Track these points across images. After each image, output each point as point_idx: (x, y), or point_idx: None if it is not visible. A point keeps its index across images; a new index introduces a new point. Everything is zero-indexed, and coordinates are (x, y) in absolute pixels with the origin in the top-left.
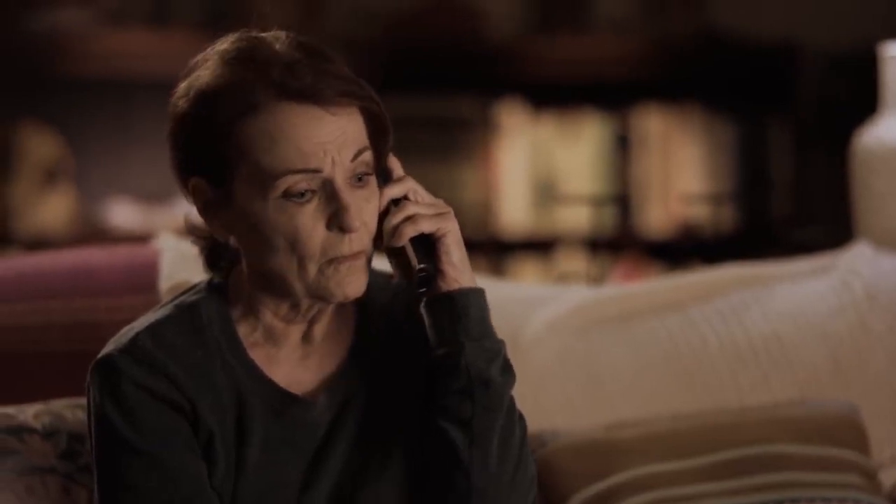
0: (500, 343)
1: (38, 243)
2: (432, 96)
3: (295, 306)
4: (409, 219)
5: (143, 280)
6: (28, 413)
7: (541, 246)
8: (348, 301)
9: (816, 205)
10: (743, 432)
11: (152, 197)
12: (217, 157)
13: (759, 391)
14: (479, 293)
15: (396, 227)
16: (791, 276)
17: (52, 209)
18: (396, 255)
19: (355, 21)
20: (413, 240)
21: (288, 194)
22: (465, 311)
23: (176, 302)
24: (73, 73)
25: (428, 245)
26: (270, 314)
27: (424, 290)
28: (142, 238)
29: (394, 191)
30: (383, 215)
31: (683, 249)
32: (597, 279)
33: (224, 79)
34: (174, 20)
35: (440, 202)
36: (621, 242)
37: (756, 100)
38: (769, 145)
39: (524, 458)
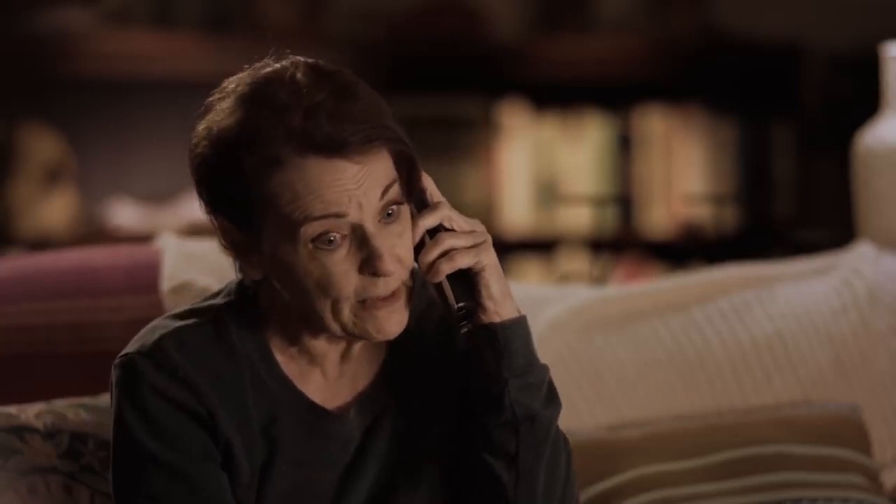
0: (545, 371)
1: (40, 244)
2: (434, 97)
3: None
4: (445, 254)
5: (144, 280)
6: (29, 413)
7: (543, 246)
8: (388, 339)
9: (819, 205)
10: (745, 432)
11: (154, 197)
12: (241, 205)
13: (761, 391)
14: (521, 323)
15: (432, 264)
16: (793, 277)
17: (53, 209)
18: (436, 286)
19: (357, 21)
20: (451, 274)
21: (317, 242)
22: (507, 345)
23: (204, 306)
24: (76, 74)
25: (467, 277)
26: (309, 337)
27: (465, 323)
28: (143, 238)
29: (428, 221)
30: (419, 246)
31: (686, 250)
32: (599, 279)
33: (243, 127)
34: (177, 21)
35: (477, 227)
36: (623, 243)
37: (759, 100)
38: (772, 145)
39: (570, 485)
